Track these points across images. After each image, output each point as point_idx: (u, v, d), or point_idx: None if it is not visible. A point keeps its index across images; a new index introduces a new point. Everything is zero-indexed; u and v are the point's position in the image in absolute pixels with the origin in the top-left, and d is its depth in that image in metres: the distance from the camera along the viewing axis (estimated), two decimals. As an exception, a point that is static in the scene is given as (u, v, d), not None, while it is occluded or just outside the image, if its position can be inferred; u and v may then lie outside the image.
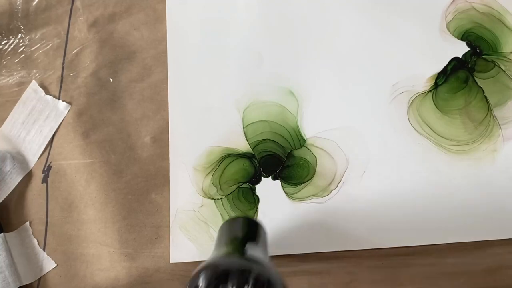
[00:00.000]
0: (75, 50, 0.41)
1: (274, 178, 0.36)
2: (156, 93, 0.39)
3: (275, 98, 0.37)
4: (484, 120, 0.35)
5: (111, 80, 0.40)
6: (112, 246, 0.37)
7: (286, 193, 0.35)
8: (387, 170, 0.35)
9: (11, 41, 0.43)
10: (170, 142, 0.37)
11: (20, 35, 0.43)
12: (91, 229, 0.38)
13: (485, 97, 0.36)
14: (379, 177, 0.35)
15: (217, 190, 0.36)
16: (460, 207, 0.34)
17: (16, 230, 0.39)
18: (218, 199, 0.36)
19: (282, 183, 0.36)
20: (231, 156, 0.36)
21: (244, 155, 0.36)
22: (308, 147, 0.36)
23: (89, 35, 0.41)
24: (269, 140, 0.36)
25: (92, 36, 0.41)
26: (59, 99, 0.41)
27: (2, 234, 0.38)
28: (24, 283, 0.37)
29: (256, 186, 0.36)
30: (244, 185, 0.36)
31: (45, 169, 0.40)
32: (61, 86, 0.41)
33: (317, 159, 0.36)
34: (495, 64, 0.36)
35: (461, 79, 0.36)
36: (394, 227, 0.34)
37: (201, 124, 0.37)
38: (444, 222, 0.34)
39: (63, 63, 0.41)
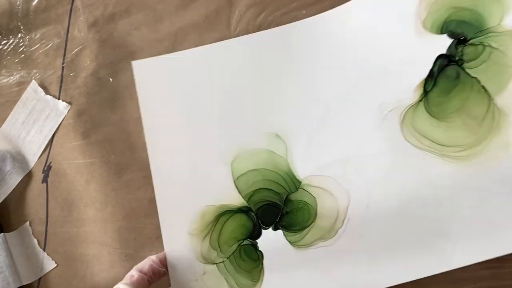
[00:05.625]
0: (75, 50, 0.41)
1: (275, 228, 0.34)
2: (156, 93, 0.39)
3: (261, 144, 0.35)
4: (487, 113, 0.31)
5: (111, 80, 0.40)
6: (112, 246, 0.37)
7: (290, 242, 0.33)
8: (393, 197, 0.32)
9: (11, 41, 0.43)
10: (160, 213, 0.35)
11: (20, 35, 0.43)
12: (91, 229, 0.38)
13: (483, 87, 0.31)
14: (385, 205, 0.32)
15: (217, 253, 0.34)
16: (483, 220, 0.30)
17: (16, 230, 0.39)
18: (220, 262, 0.34)
19: (284, 232, 0.33)
20: (226, 214, 0.34)
21: (239, 210, 0.34)
22: (305, 188, 0.34)
23: (89, 35, 0.41)
24: (263, 189, 0.34)
25: (92, 36, 0.41)
26: (59, 99, 0.41)
27: (2, 234, 0.38)
28: (24, 283, 0.37)
29: (257, 240, 0.34)
30: (245, 242, 0.34)
31: (45, 169, 0.40)
32: (61, 86, 0.41)
33: (316, 199, 0.33)
34: (484, 46, 0.31)
35: (451, 76, 0.32)
36: (410, 257, 0.31)
37: (189, 187, 0.35)
38: (467, 241, 0.30)
39: (63, 63, 0.41)
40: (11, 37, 0.43)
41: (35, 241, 0.39)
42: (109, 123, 0.40)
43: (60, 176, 0.39)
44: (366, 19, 0.35)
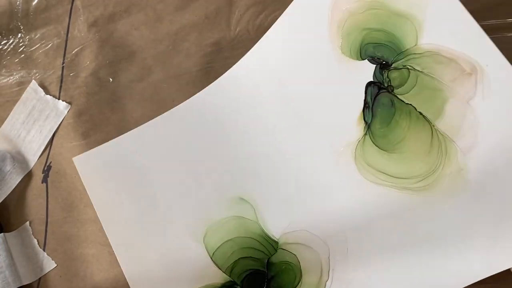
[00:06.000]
0: (75, 50, 0.41)
1: None
2: (156, 93, 0.39)
3: (228, 212, 0.33)
4: (433, 140, 0.29)
5: (111, 80, 0.40)
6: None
7: None
8: (370, 237, 0.30)
9: (11, 41, 0.43)
10: None
11: (20, 35, 0.43)
12: (91, 229, 0.38)
13: (420, 113, 0.29)
14: (366, 246, 0.30)
15: None
16: (456, 248, 0.28)
17: (16, 230, 0.39)
18: None
19: None
20: None
21: (224, 287, 0.32)
22: (284, 247, 0.32)
23: (89, 35, 0.41)
24: (242, 258, 0.32)
25: (92, 36, 0.41)
26: (59, 99, 0.41)
27: (2, 234, 0.38)
28: (24, 283, 0.37)
29: None
30: None
31: (45, 169, 0.40)
32: (61, 86, 0.41)
33: (297, 256, 0.32)
34: (408, 69, 0.29)
35: (386, 105, 0.30)
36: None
37: (164, 274, 0.33)
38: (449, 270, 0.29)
39: (63, 63, 0.41)
40: (11, 37, 0.43)
41: (35, 241, 0.39)
42: (109, 123, 0.40)
43: (60, 176, 0.39)
44: (283, 56, 0.33)
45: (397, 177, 0.30)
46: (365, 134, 0.31)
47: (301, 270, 0.32)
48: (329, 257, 0.31)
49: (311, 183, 0.32)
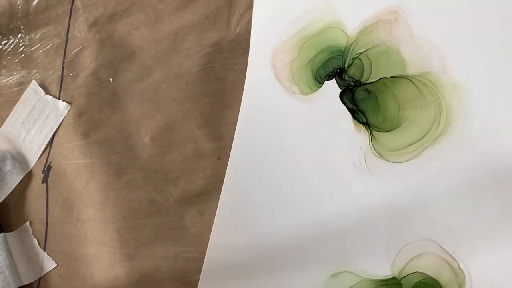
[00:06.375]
0: (75, 50, 0.41)
1: None
2: (156, 93, 0.39)
3: None
4: (418, 88, 0.32)
5: (111, 80, 0.40)
6: (112, 246, 0.37)
7: None
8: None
9: (11, 41, 0.43)
10: None
11: (20, 35, 0.43)
12: (91, 229, 0.38)
13: (391, 77, 0.32)
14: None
15: None
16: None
17: (16, 230, 0.39)
18: None
19: None
20: None
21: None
22: (402, 275, 0.31)
23: (89, 35, 0.41)
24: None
25: (92, 36, 0.41)
26: (59, 99, 0.41)
27: (2, 234, 0.38)
28: (24, 283, 0.37)
29: None
30: None
31: (45, 169, 0.40)
32: (61, 86, 0.41)
33: (418, 271, 0.31)
34: (358, 58, 0.33)
35: (365, 96, 0.33)
36: None
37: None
38: None
39: (63, 63, 0.41)
40: (11, 37, 0.43)
41: (35, 241, 0.39)
42: (109, 123, 0.40)
43: (60, 176, 0.39)
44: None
45: (422, 137, 0.31)
46: (370, 132, 0.33)
47: (432, 277, 0.31)
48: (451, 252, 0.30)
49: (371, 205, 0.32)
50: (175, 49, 0.40)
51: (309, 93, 0.34)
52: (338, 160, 0.33)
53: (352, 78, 0.33)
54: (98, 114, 0.40)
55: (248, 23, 0.39)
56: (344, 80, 0.33)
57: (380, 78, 0.32)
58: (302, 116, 0.34)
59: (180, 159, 0.38)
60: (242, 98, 0.35)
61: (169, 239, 0.37)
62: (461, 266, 0.30)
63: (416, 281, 0.31)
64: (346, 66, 0.33)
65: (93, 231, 0.38)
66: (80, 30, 0.42)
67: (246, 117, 0.35)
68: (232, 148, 0.36)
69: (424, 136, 0.31)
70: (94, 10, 0.42)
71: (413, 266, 0.31)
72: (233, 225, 0.35)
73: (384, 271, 0.32)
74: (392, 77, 0.32)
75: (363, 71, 0.33)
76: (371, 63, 0.33)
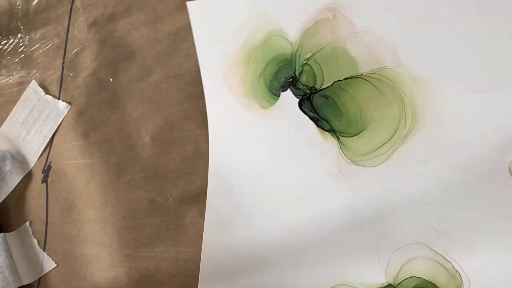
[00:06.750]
0: (75, 50, 0.41)
1: None
2: (156, 93, 0.39)
3: None
4: (375, 85, 0.30)
5: (111, 80, 0.40)
6: (112, 246, 0.37)
7: None
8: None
9: (11, 41, 0.43)
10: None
11: (20, 35, 0.43)
12: (91, 229, 0.38)
13: (345, 78, 0.31)
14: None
15: None
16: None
17: (16, 230, 0.39)
18: None
19: None
20: None
21: None
22: (398, 282, 0.31)
23: (89, 35, 0.41)
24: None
25: (92, 36, 0.41)
26: (59, 99, 0.41)
27: (2, 234, 0.38)
28: (24, 283, 0.37)
29: None
30: None
31: (45, 169, 0.40)
32: (61, 86, 0.41)
33: (413, 275, 0.30)
34: (307, 64, 0.31)
35: (324, 102, 0.31)
36: None
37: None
38: None
39: (63, 63, 0.41)
40: (11, 37, 0.43)
41: (35, 241, 0.39)
42: (109, 123, 0.40)
43: (60, 176, 0.39)
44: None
45: (391, 137, 0.30)
46: (337, 138, 0.31)
47: (429, 280, 0.30)
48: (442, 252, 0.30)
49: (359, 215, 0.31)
50: (175, 49, 0.40)
51: (269, 107, 0.33)
52: (312, 171, 0.32)
53: (306, 85, 0.32)
54: (98, 114, 0.40)
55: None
56: (299, 89, 0.32)
57: (334, 82, 0.31)
58: (267, 132, 0.33)
59: (180, 159, 0.38)
60: (208, 125, 0.34)
61: (169, 239, 0.37)
62: (456, 267, 0.29)
63: (413, 285, 0.30)
64: (297, 74, 0.32)
65: (93, 231, 0.38)
66: (80, 30, 0.42)
67: (216, 141, 0.34)
68: (208, 174, 0.35)
69: (393, 135, 0.30)
70: (94, 10, 0.42)
71: (407, 271, 0.30)
72: (221, 236, 0.34)
73: (379, 279, 0.31)
74: (346, 78, 0.30)
75: (315, 77, 0.31)
76: (321, 68, 0.31)
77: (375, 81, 0.30)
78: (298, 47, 0.31)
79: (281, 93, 0.32)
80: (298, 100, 0.32)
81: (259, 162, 0.33)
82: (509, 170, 0.26)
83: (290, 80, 0.32)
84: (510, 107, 0.27)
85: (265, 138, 0.33)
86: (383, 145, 0.30)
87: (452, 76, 0.28)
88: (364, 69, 0.30)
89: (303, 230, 0.32)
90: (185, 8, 0.40)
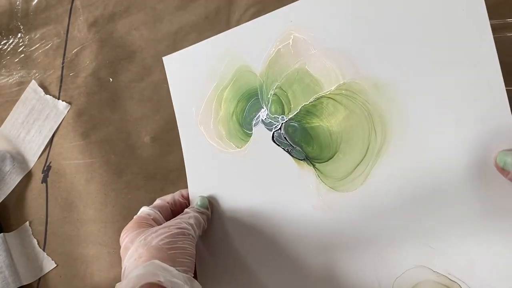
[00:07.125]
0: (75, 50, 0.41)
1: None
2: (156, 93, 0.39)
3: None
4: (339, 101, 0.30)
5: (111, 80, 0.40)
6: (112, 246, 0.37)
7: None
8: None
9: (11, 41, 0.43)
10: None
11: (19, 35, 0.43)
12: (91, 229, 0.38)
13: (311, 101, 0.30)
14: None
15: None
16: None
17: (16, 230, 0.39)
18: None
19: None
20: None
21: None
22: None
23: (89, 35, 0.41)
24: None
25: (92, 36, 0.41)
26: (58, 99, 0.41)
27: (2, 234, 0.38)
28: (24, 283, 0.37)
29: None
30: None
31: (45, 169, 0.40)
32: (60, 86, 0.41)
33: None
34: (274, 94, 0.31)
35: (294, 130, 0.31)
36: None
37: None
38: None
39: (62, 63, 0.41)
40: (11, 37, 0.43)
41: (35, 241, 0.39)
42: (109, 123, 0.40)
43: (60, 176, 0.39)
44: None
45: (364, 155, 0.29)
46: (313, 165, 0.30)
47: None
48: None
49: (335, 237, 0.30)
50: (175, 49, 0.40)
51: (244, 145, 0.33)
52: (297, 205, 0.31)
53: (276, 116, 0.31)
54: (98, 114, 0.40)
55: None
56: (270, 120, 0.32)
57: (301, 106, 0.30)
58: (246, 171, 0.32)
59: (180, 159, 0.38)
60: (185, 167, 0.35)
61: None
62: (463, 287, 0.27)
63: None
64: (267, 105, 0.32)
65: (93, 231, 0.38)
66: (80, 30, 0.42)
67: (194, 182, 0.35)
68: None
69: (366, 152, 0.28)
70: (94, 10, 0.42)
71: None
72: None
73: None
74: (311, 101, 0.30)
75: (283, 105, 0.31)
76: (287, 94, 0.31)
77: (339, 97, 0.29)
78: (265, 77, 0.32)
79: (255, 128, 0.32)
80: (271, 133, 0.32)
81: (239, 201, 0.33)
82: (496, 166, 0.26)
83: (260, 113, 0.32)
84: (482, 97, 0.25)
85: (245, 177, 0.33)
86: (358, 165, 0.29)
87: (414, 76, 0.27)
88: (327, 87, 0.29)
89: (306, 271, 0.31)
90: (185, 8, 0.40)
